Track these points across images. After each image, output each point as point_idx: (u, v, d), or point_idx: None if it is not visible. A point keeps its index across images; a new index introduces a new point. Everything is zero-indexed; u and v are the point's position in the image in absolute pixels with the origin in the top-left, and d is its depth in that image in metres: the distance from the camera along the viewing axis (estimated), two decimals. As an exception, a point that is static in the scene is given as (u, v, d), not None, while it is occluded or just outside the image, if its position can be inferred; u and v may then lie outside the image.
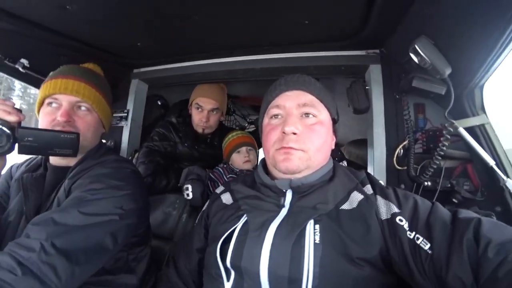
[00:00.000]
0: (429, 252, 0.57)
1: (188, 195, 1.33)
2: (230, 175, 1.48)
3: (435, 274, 0.55)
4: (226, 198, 0.87)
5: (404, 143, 1.14)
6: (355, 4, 0.94)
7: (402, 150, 1.15)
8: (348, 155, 1.94)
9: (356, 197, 0.72)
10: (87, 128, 0.92)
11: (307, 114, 0.77)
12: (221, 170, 1.51)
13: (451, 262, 0.53)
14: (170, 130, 1.66)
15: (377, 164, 1.19)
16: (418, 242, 0.59)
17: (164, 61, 1.57)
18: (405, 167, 1.13)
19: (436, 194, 1.05)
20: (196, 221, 0.94)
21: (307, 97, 0.79)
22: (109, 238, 0.74)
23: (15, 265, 0.58)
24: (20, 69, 1.28)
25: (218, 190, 0.94)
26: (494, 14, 0.71)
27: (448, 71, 0.94)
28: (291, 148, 0.73)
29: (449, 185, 1.05)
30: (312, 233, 0.66)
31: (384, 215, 0.67)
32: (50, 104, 0.89)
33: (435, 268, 0.55)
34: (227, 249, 0.70)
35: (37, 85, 1.41)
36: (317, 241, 0.64)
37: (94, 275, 0.79)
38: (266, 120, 0.83)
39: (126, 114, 1.70)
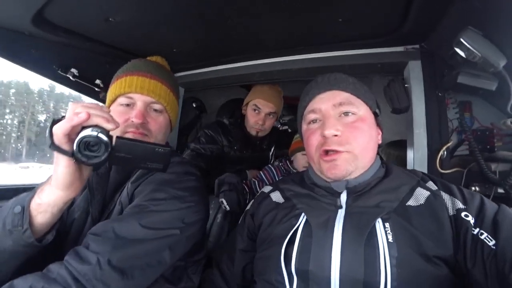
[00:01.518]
0: (493, 248, 0.54)
1: (225, 207, 1.31)
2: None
3: (497, 271, 0.52)
4: (277, 197, 0.83)
5: (448, 144, 1.07)
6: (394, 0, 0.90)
7: (445, 152, 1.08)
8: (386, 157, 1.85)
9: (422, 193, 0.68)
10: (159, 129, 0.89)
11: (345, 113, 0.74)
12: (273, 170, 1.45)
13: None
14: (218, 132, 1.65)
15: (417, 167, 1.12)
16: (482, 237, 0.56)
17: (200, 65, 1.61)
18: (450, 170, 1.05)
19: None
20: (239, 222, 0.91)
21: (342, 96, 0.76)
22: (167, 253, 0.72)
23: (70, 280, 0.58)
24: (71, 78, 1.39)
25: (265, 190, 0.90)
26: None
27: (502, 62, 0.85)
28: (335, 151, 0.70)
29: (502, 191, 0.95)
30: (383, 232, 0.62)
31: (450, 210, 0.64)
32: (123, 103, 0.86)
33: (497, 265, 0.52)
34: (291, 252, 0.66)
35: (84, 91, 1.54)
36: (390, 240, 0.61)
37: (155, 283, 0.77)
38: (304, 126, 0.81)
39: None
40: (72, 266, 0.60)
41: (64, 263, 0.61)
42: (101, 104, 1.23)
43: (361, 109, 0.75)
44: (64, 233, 0.83)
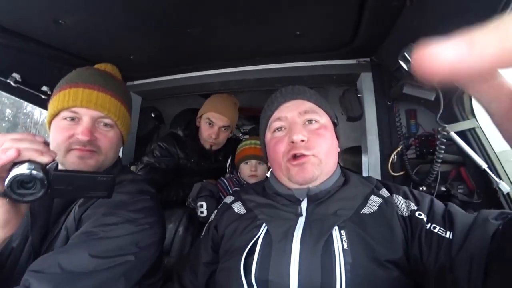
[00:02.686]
0: (447, 237, 0.59)
1: (202, 212, 1.25)
2: (236, 188, 1.41)
3: (449, 258, 0.56)
4: (238, 208, 0.84)
5: (398, 149, 1.16)
6: (345, 16, 0.97)
7: (396, 157, 1.16)
8: (343, 163, 1.95)
9: (375, 200, 0.72)
10: (109, 146, 0.82)
11: (310, 121, 0.77)
12: (226, 182, 1.44)
13: (470, 240, 0.55)
14: (173, 144, 1.58)
15: (371, 171, 1.20)
16: (435, 230, 0.61)
17: (158, 73, 1.57)
18: (400, 173, 1.14)
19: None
20: (202, 234, 0.89)
21: (307, 105, 0.80)
22: (122, 282, 0.66)
23: None
24: (12, 83, 1.25)
25: (227, 200, 0.90)
26: (478, 21, 0.73)
27: (437, 76, 0.96)
28: (302, 155, 0.72)
29: (445, 189, 1.06)
30: (339, 239, 0.65)
31: (405, 212, 0.68)
32: (67, 117, 0.77)
33: (451, 252, 0.56)
34: (251, 263, 0.67)
35: (29, 99, 1.40)
36: (345, 247, 0.63)
37: None
38: (268, 135, 0.83)
39: (119, 127, 1.68)
40: None
41: None
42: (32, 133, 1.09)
43: (323, 118, 0.80)
44: (1, 265, 0.73)
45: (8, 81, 1.24)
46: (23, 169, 0.52)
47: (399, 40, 1.01)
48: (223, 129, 1.56)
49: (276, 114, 0.81)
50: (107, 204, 0.73)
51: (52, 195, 0.57)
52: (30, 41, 1.11)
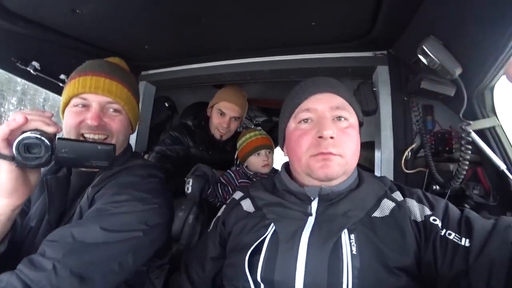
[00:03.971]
0: (463, 245, 0.58)
1: (188, 188, 1.32)
2: (242, 180, 1.44)
3: (464, 266, 0.55)
4: (247, 205, 0.82)
5: (413, 146, 1.13)
6: (363, 6, 0.94)
7: (410, 153, 1.13)
8: (356, 158, 1.92)
9: (387, 204, 0.69)
10: (119, 129, 0.85)
11: (339, 118, 0.73)
12: (232, 174, 1.47)
13: (489, 248, 0.54)
14: (184, 133, 1.64)
15: (384, 167, 1.17)
16: (451, 237, 0.60)
17: (172, 63, 1.58)
18: (413, 170, 1.11)
19: (446, 199, 1.02)
20: (210, 228, 0.89)
21: (339, 100, 0.75)
22: (130, 257, 0.69)
23: None
24: (32, 71, 1.30)
25: (236, 196, 0.89)
26: (504, 12, 0.69)
27: (458, 71, 0.91)
28: (330, 153, 0.68)
29: (459, 190, 1.02)
30: (348, 243, 0.63)
31: (418, 217, 0.66)
32: (78, 104, 0.81)
33: (468, 260, 0.55)
34: (257, 262, 0.67)
35: (47, 87, 1.45)
36: (354, 252, 0.62)
37: None
38: (292, 125, 0.78)
39: (134, 116, 1.72)
40: (24, 274, 0.57)
41: (16, 271, 0.58)
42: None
43: (352, 117, 0.75)
44: (20, 244, 0.78)
45: (28, 69, 1.28)
46: (29, 134, 0.58)
47: (419, 32, 0.97)
48: (233, 119, 1.61)
49: (306, 104, 0.76)
50: (118, 184, 0.78)
51: (56, 163, 0.63)
52: (49, 31, 1.14)
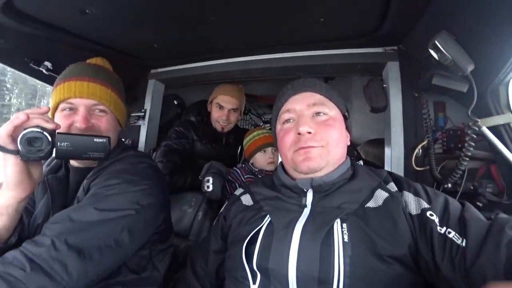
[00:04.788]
0: (462, 245, 0.56)
1: (208, 187, 1.33)
2: (248, 176, 1.47)
3: (464, 268, 0.54)
4: (246, 200, 0.87)
5: (423, 143, 1.11)
6: (372, 1, 0.92)
7: (420, 151, 1.12)
8: (365, 155, 1.90)
9: (381, 195, 0.71)
10: (108, 129, 0.90)
11: (318, 113, 0.78)
12: (238, 171, 1.50)
13: (483, 252, 0.53)
14: (188, 128, 1.70)
15: (394, 165, 1.16)
16: (450, 236, 0.59)
17: (181, 61, 1.60)
18: (424, 168, 1.09)
19: (457, 197, 1.00)
20: (214, 223, 0.93)
21: (316, 97, 0.80)
22: (126, 234, 0.74)
23: (25, 261, 0.60)
24: (44, 71, 1.33)
25: (237, 192, 0.94)
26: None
27: (470, 67, 0.89)
28: (310, 146, 0.73)
29: (471, 187, 1.00)
30: (340, 231, 0.65)
31: (414, 210, 0.66)
32: (65, 108, 0.86)
33: (466, 262, 0.54)
34: (253, 251, 0.70)
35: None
36: (345, 240, 0.64)
37: (119, 275, 0.81)
38: (278, 126, 0.85)
39: (143, 114, 1.75)
40: (27, 249, 0.62)
41: (20, 248, 0.64)
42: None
43: (332, 111, 0.80)
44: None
45: (40, 69, 1.31)
46: (32, 129, 0.65)
47: (430, 27, 0.95)
48: (232, 111, 1.70)
49: (286, 106, 0.83)
50: (111, 172, 0.84)
51: (57, 155, 0.68)
52: (60, 31, 1.17)
